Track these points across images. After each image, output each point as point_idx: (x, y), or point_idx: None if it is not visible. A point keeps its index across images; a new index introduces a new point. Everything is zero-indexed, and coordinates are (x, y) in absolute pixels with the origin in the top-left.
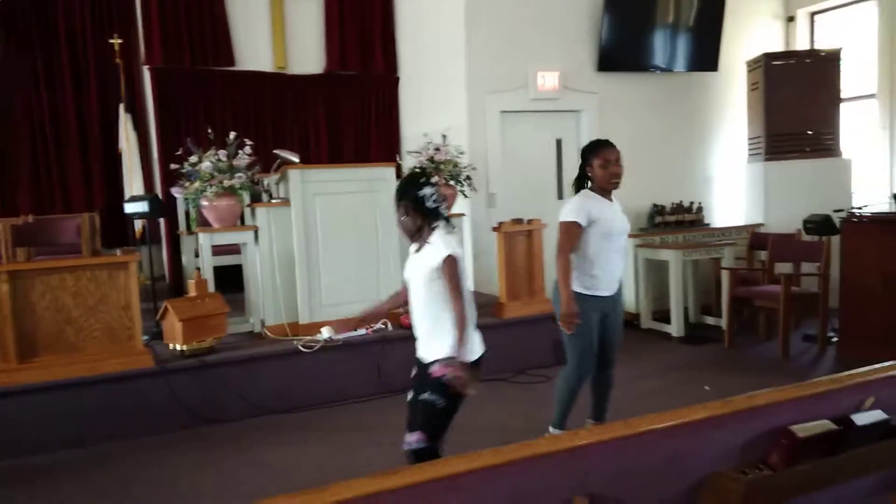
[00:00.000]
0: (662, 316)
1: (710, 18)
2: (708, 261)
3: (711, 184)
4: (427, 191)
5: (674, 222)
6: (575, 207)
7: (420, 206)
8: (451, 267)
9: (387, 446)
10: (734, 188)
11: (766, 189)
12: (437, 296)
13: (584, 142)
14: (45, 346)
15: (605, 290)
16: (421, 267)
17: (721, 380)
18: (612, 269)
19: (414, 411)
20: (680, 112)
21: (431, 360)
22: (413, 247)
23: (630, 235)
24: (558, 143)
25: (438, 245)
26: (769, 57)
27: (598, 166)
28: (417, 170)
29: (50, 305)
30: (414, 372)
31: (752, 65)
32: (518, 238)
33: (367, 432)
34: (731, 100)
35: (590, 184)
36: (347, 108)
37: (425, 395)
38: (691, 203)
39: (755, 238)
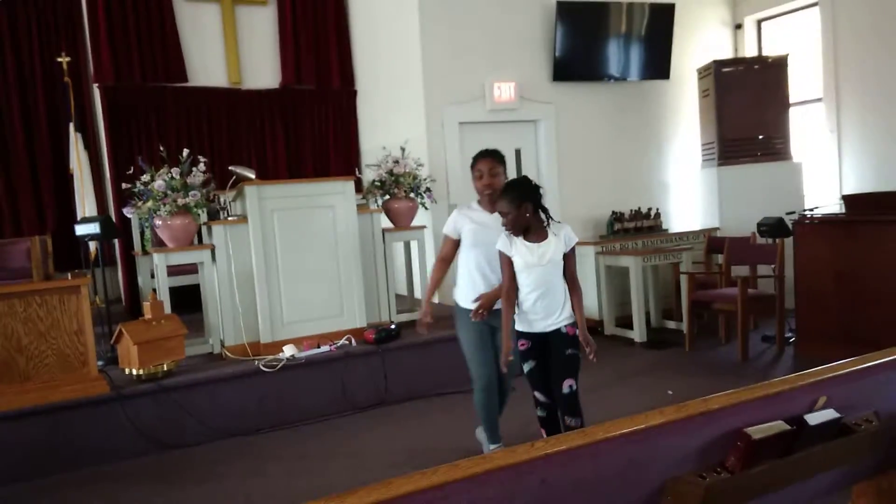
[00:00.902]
0: (625, 322)
1: (660, 27)
2: (667, 266)
3: (668, 190)
4: (542, 191)
5: (633, 229)
6: (448, 219)
7: (541, 204)
8: (574, 251)
9: (350, 467)
10: (690, 193)
11: (721, 193)
12: (560, 275)
13: (543, 151)
14: None
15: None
16: (552, 252)
17: (683, 383)
18: (492, 283)
19: (565, 365)
20: (635, 120)
21: (561, 325)
22: (518, 239)
23: (591, 243)
24: (517, 152)
25: (564, 234)
26: (719, 64)
27: (475, 178)
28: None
29: None
30: (528, 344)
31: (703, 72)
32: None
33: (331, 452)
34: (683, 107)
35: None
36: (305, 122)
37: (570, 350)
38: (649, 209)
39: (712, 242)
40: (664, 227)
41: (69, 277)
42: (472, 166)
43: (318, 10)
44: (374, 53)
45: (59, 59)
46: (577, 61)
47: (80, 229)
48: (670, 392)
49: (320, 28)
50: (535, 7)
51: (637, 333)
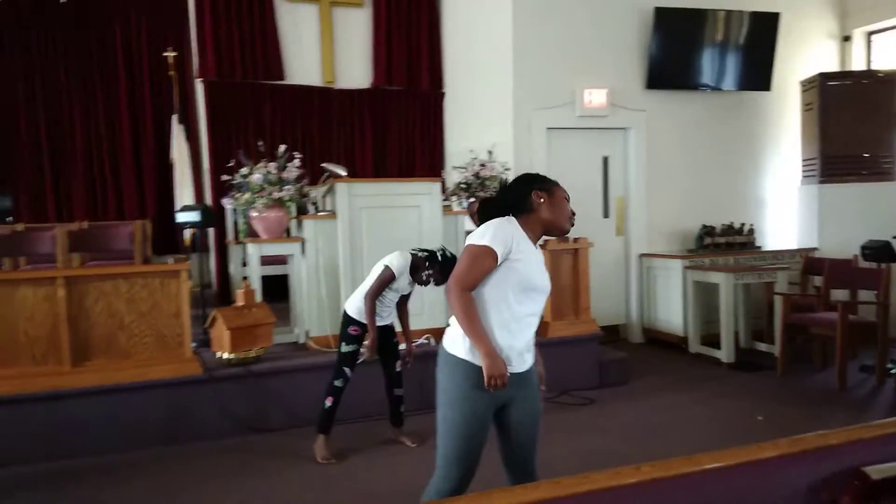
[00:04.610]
0: (711, 340)
1: (762, 37)
2: (759, 285)
3: (763, 205)
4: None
5: (724, 244)
6: (494, 231)
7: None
8: None
9: (425, 462)
10: (787, 210)
11: (821, 212)
12: None
13: (633, 160)
14: (98, 351)
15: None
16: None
17: (775, 409)
18: (526, 336)
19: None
20: (730, 131)
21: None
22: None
23: (679, 256)
24: (605, 160)
25: None
26: (824, 77)
27: (560, 200)
28: None
29: (103, 311)
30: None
31: (807, 85)
32: (564, 256)
33: (408, 448)
34: (784, 120)
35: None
36: (393, 122)
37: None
38: (742, 225)
39: (809, 263)
40: (757, 244)
41: (169, 262)
42: (557, 187)
43: (411, 13)
44: (465, 56)
45: (166, 54)
46: (672, 69)
47: (182, 216)
48: (760, 418)
49: (413, 30)
50: (631, 13)
51: (724, 353)
